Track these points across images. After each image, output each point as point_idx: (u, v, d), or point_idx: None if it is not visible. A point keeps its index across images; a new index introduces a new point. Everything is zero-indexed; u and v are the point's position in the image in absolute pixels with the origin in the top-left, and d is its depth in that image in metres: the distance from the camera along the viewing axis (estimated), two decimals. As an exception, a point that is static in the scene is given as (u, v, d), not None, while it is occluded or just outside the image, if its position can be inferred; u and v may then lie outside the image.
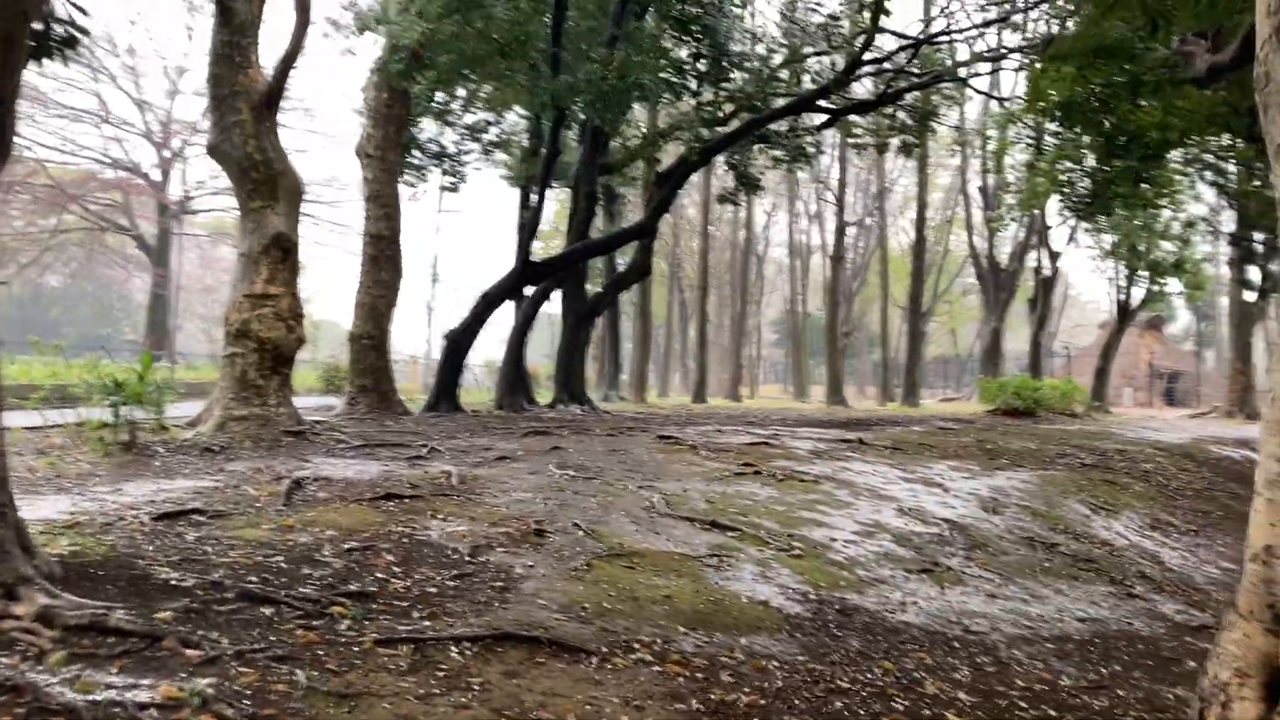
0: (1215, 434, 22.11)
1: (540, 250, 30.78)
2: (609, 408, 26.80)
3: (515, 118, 28.02)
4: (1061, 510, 11.30)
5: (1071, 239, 41.67)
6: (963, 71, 22.07)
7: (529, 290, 21.33)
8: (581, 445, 12.10)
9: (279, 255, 11.65)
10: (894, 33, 20.99)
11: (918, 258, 37.18)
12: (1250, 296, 32.15)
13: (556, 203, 44.13)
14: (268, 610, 4.59)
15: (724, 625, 5.61)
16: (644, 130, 29.65)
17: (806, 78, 23.41)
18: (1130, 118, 11.03)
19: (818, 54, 22.48)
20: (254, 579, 5.06)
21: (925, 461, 13.21)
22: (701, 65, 20.88)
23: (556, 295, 23.24)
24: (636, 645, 4.95)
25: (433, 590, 5.41)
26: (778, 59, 22.03)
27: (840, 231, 39.13)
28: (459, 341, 18.76)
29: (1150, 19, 8.36)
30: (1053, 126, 19.24)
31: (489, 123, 25.39)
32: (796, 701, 4.55)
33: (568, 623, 5.13)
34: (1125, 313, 37.85)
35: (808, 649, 5.44)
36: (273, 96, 11.92)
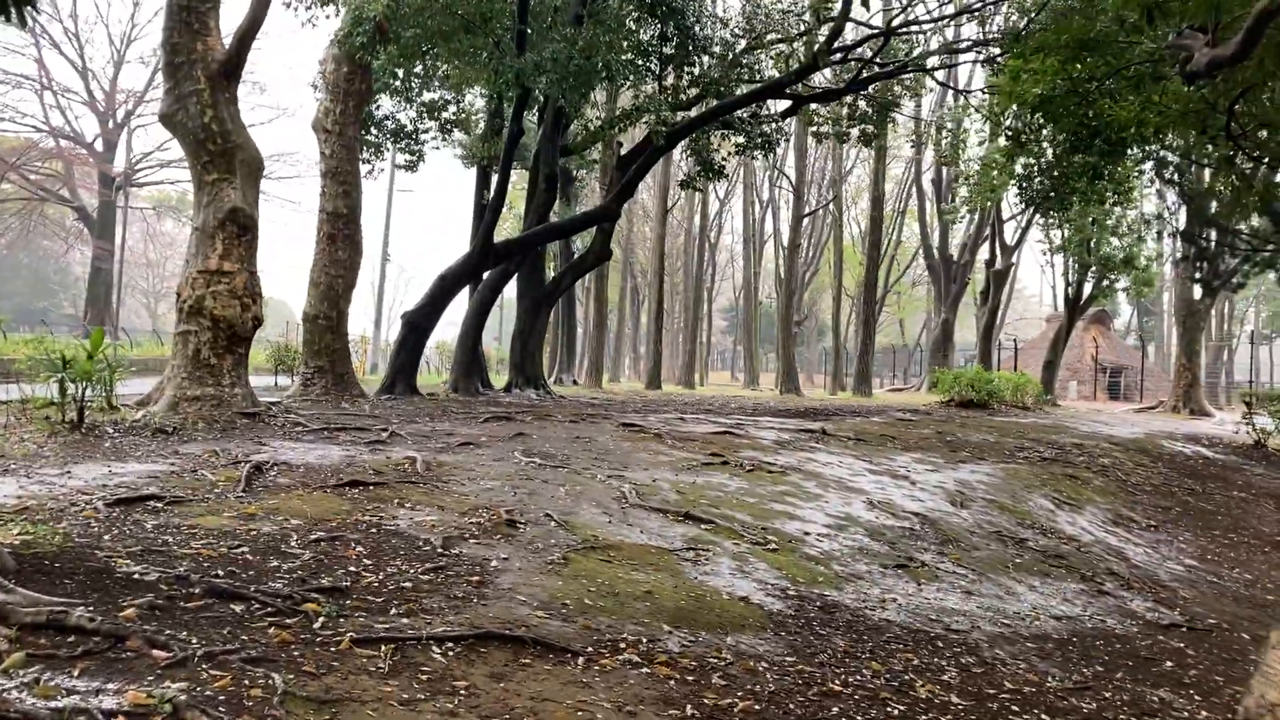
0: (1165, 429, 22.42)
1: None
2: (564, 392, 26.57)
3: (474, 97, 27.61)
4: (1027, 505, 11.30)
5: (1024, 233, 42.10)
6: (933, 61, 22.02)
7: (486, 273, 20.96)
8: (545, 432, 11.88)
9: (235, 230, 11.25)
10: (860, 22, 20.90)
11: (874, 248, 37.27)
12: (1198, 293, 32.65)
13: (511, 185, 43.67)
14: (237, 607, 4.33)
15: (708, 623, 5.44)
16: (602, 113, 29.36)
17: (771, 64, 23.28)
18: (1107, 112, 11.00)
19: (783, 40, 22.33)
20: (220, 572, 4.80)
21: (889, 453, 13.16)
22: (667, 48, 20.63)
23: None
24: (622, 644, 4.77)
25: (407, 585, 5.18)
26: (743, 44, 21.80)
27: (797, 220, 39.12)
28: (418, 324, 18.37)
29: (1146, 9, 8.28)
30: (1009, 121, 19.25)
31: (447, 100, 24.91)
32: (791, 706, 4.39)
33: (550, 620, 4.93)
34: (1075, 307, 38.31)
35: (794, 649, 5.29)
36: (232, 66, 11.50)
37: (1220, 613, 8.48)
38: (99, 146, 52.69)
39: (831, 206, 45.83)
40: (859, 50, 20.88)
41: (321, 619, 4.36)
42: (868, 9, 18.47)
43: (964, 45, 22.24)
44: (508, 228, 38.76)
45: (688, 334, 49.37)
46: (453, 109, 25.58)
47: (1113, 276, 36.32)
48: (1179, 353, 33.50)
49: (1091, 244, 34.54)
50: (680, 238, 60.66)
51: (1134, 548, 10.59)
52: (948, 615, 6.67)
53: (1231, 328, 71.41)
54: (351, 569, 5.33)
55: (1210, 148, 14.37)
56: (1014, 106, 10.88)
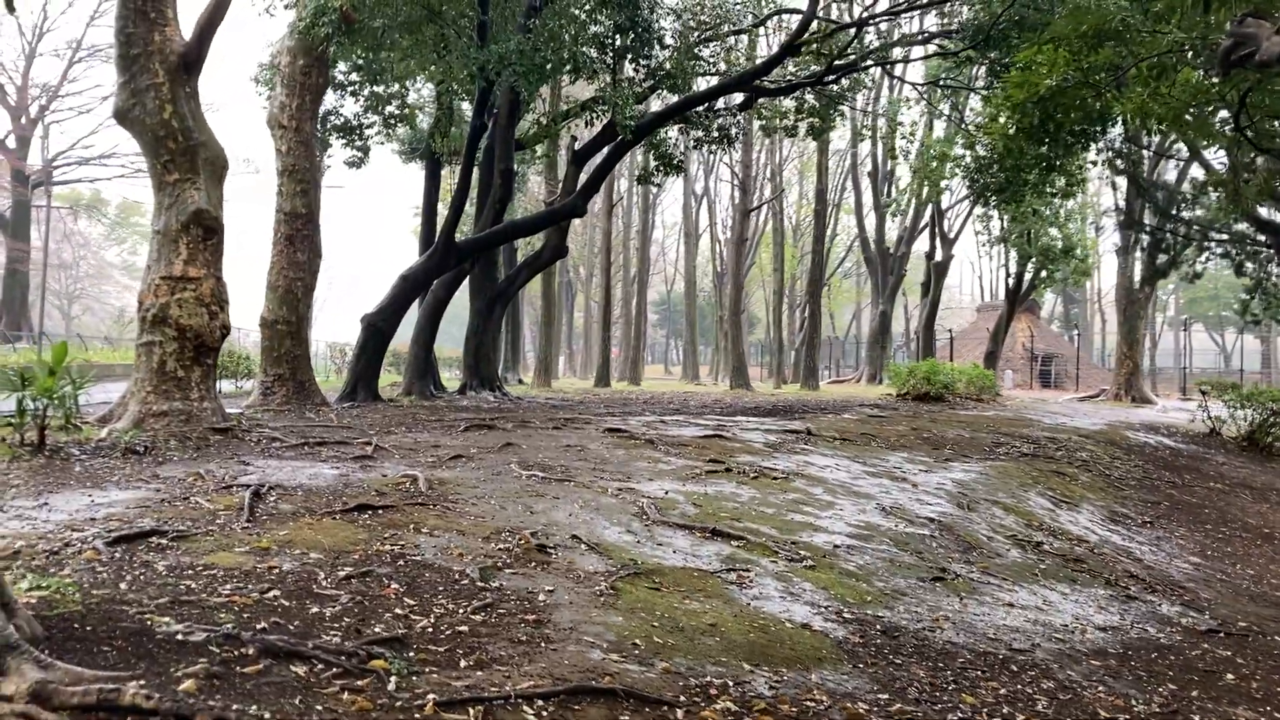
0: (1121, 419, 22.65)
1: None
2: (516, 392, 26.00)
3: (420, 90, 26.87)
4: (1027, 505, 11.14)
5: (964, 225, 42.52)
6: (896, 53, 21.91)
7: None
8: (532, 441, 11.39)
9: (200, 234, 10.56)
10: (822, 18, 20.67)
11: (818, 240, 37.24)
12: (1139, 282, 33.20)
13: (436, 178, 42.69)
14: (299, 669, 3.83)
15: (784, 659, 5.07)
16: (547, 107, 28.81)
17: (724, 56, 22.99)
18: (1114, 104, 10.86)
19: (738, 32, 22.02)
20: (264, 625, 4.28)
21: (877, 453, 12.93)
22: (623, 40, 20.18)
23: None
24: (712, 691, 4.37)
25: (463, 629, 4.72)
26: (696, 35, 21.44)
27: (744, 214, 38.94)
28: (379, 326, 17.66)
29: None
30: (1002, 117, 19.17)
31: (393, 94, 24.13)
32: (915, 756, 4.04)
33: (628, 665, 4.51)
34: (1015, 298, 38.79)
35: (881, 683, 4.94)
36: (193, 59, 10.80)
37: (1245, 614, 8.36)
38: (11, 144, 50.58)
39: (770, 200, 45.75)
40: (826, 43, 20.63)
41: (394, 679, 3.89)
42: None
43: (922, 38, 22.14)
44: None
45: (630, 329, 48.93)
46: (396, 103, 24.83)
47: (1053, 267, 36.83)
48: (1120, 340, 34.04)
49: (1031, 234, 34.98)
50: (619, 232, 60.22)
51: (1139, 546, 10.48)
52: (1003, 633, 6.39)
53: (1154, 314, 73.20)
54: (398, 612, 4.84)
55: (1214, 139, 14.39)
56: (1021, 98, 10.67)
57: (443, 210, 21.24)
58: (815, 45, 20.16)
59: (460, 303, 28.37)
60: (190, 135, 10.69)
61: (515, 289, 24.83)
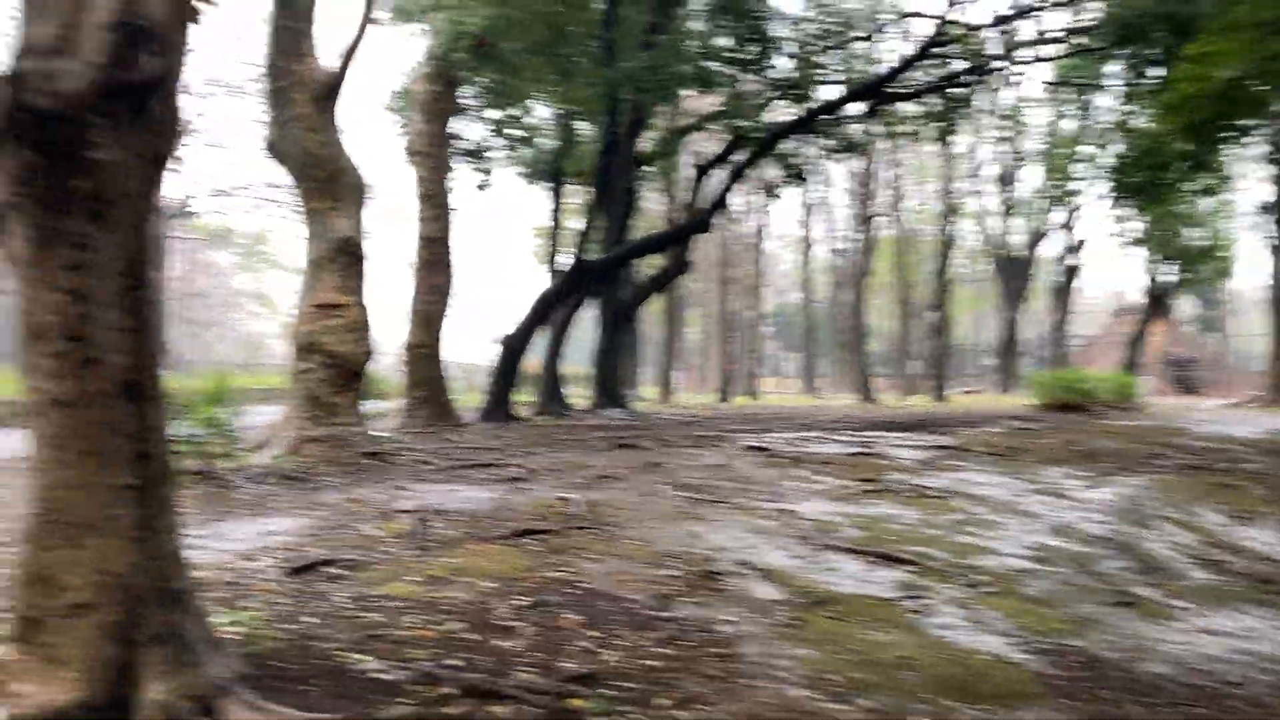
0: (1281, 426, 21.34)
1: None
2: (642, 410, 25.94)
3: (541, 113, 27.09)
4: (1201, 520, 10.47)
5: (1095, 227, 40.90)
6: (1028, 53, 21.19)
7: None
8: (675, 460, 11.25)
9: (346, 261, 10.76)
10: (955, 20, 20.08)
11: (943, 246, 36.31)
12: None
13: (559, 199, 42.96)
14: (502, 710, 3.71)
15: (988, 694, 4.75)
16: (667, 123, 28.78)
17: (847, 63, 22.56)
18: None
19: (862, 38, 21.61)
20: (457, 662, 4.19)
21: (1031, 468, 12.38)
22: (745, 53, 19.98)
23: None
24: (927, 733, 4.10)
25: (652, 663, 4.55)
26: (823, 44, 21.09)
27: (865, 221, 38.25)
28: (515, 346, 17.81)
29: None
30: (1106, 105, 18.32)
31: (515, 116, 24.38)
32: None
33: (828, 702, 4.28)
34: (1154, 301, 37.18)
35: (1097, 722, 4.59)
36: (332, 87, 11.01)
37: None
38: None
39: (892, 207, 44.87)
40: (963, 44, 20.05)
41: (595, 719, 3.74)
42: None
43: (1057, 34, 21.32)
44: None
45: (746, 343, 48.47)
46: (518, 125, 25.06)
47: (1193, 268, 35.21)
48: (1273, 343, 32.15)
49: (1171, 235, 33.48)
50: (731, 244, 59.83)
51: (1332, 565, 9.73)
52: (1210, 663, 5.92)
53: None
54: (582, 644, 4.71)
55: None
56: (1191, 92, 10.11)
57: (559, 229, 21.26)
58: (946, 48, 19.62)
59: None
60: (332, 162, 10.90)
61: (640, 306, 24.78)
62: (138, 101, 3.26)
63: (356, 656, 4.08)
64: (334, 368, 10.46)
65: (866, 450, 12.45)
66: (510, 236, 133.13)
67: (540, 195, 26.15)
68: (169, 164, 3.53)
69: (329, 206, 10.78)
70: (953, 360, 73.91)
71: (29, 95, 3.14)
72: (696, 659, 4.70)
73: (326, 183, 10.83)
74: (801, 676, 4.61)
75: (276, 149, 10.89)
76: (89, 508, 3.22)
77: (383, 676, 3.86)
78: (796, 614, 5.60)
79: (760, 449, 12.17)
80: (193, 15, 3.56)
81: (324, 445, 10.09)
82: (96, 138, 3.19)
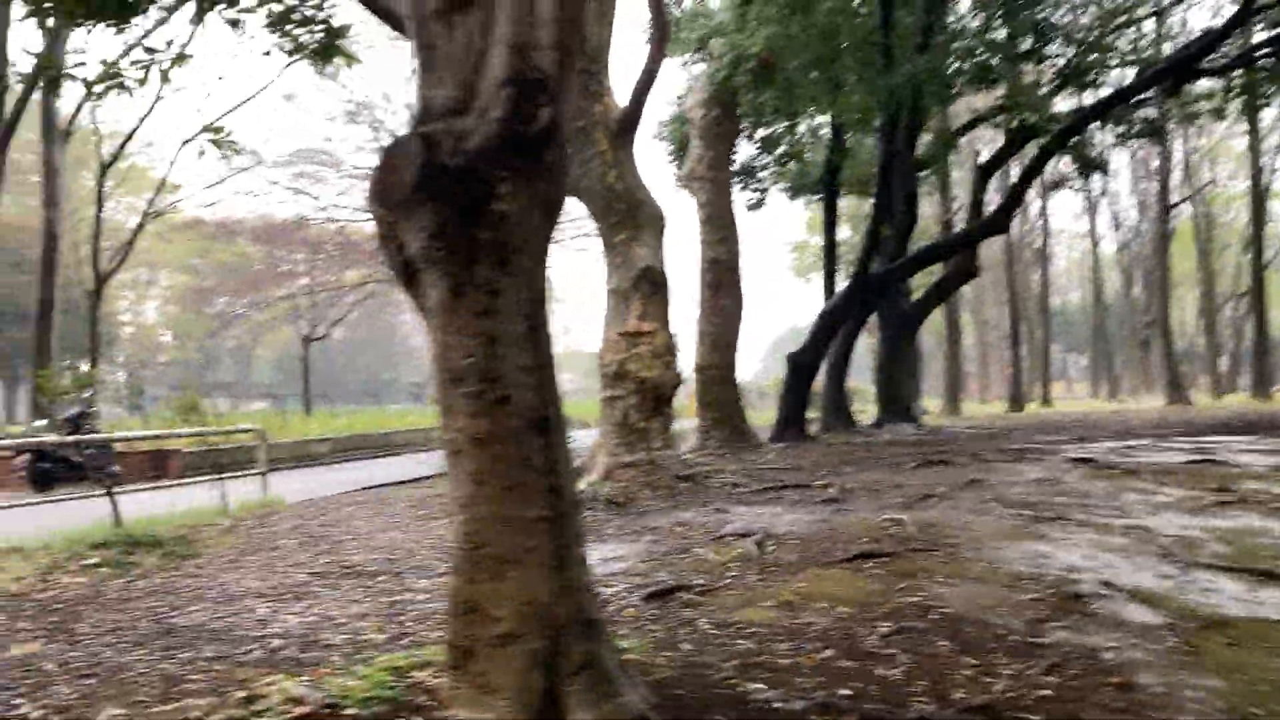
0: None
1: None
2: (931, 423, 25.09)
3: (803, 128, 26.89)
4: None
5: None
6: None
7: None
8: (994, 475, 10.73)
9: (649, 289, 11.00)
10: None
11: (1257, 229, 33.06)
12: None
13: (809, 210, 42.30)
14: (910, 743, 3.57)
15: None
16: (940, 124, 27.82)
17: (1136, 42, 21.01)
18: None
19: (1154, 15, 20.07)
20: (847, 691, 4.09)
21: None
22: (1021, 45, 19.00)
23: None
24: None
25: (1046, 693, 4.26)
26: (1107, 26, 19.72)
27: (1165, 210, 35.44)
28: (804, 364, 17.71)
29: None
30: None
31: (781, 133, 24.31)
32: None
33: (1258, 743, 3.85)
34: None
35: None
36: (629, 122, 11.33)
37: None
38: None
39: (1196, 193, 41.36)
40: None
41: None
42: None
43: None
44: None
45: (1041, 347, 45.84)
46: (787, 142, 24.98)
47: None
48: None
49: None
50: (995, 242, 56.99)
51: None
52: None
53: None
54: (964, 673, 4.49)
55: None
56: None
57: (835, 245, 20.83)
58: (1264, 14, 17.85)
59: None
60: (632, 195, 11.20)
61: (924, 317, 24.04)
62: (535, 152, 3.40)
63: (752, 686, 4.06)
64: (643, 394, 10.71)
65: (1207, 457, 11.42)
66: (764, 252, 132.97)
67: (798, 210, 25.85)
68: (560, 209, 3.66)
69: (630, 237, 11.09)
70: (1273, 354, 67.18)
71: (440, 154, 3.34)
72: (1091, 688, 4.37)
73: (627, 215, 11.15)
74: (1218, 710, 4.19)
75: (579, 189, 11.32)
76: (509, 540, 3.36)
77: (782, 706, 3.81)
78: (1186, 639, 5.12)
79: (1085, 460, 11.42)
80: (574, 64, 3.69)
81: (638, 470, 10.33)
82: (500, 189, 3.35)
